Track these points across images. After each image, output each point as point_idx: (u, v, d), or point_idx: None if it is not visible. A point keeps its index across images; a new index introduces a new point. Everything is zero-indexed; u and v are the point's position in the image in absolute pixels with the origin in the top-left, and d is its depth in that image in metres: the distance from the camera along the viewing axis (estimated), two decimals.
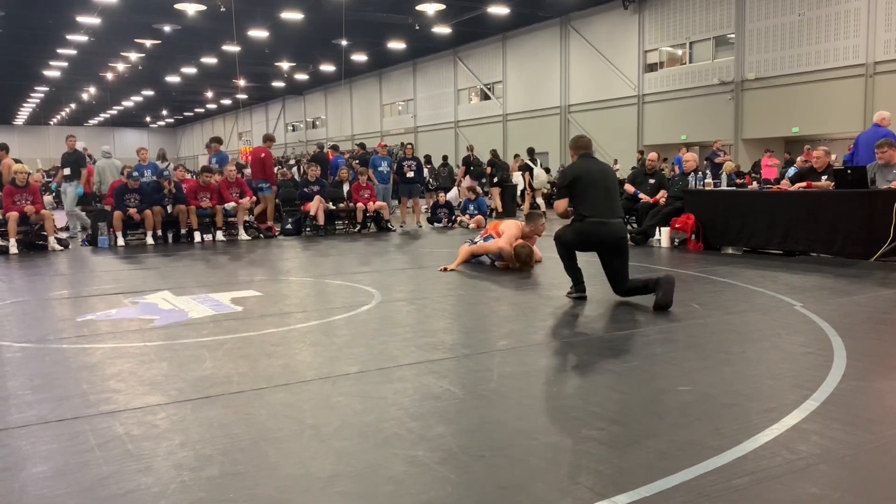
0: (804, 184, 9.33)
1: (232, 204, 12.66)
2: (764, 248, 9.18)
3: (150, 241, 11.92)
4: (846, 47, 21.67)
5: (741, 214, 9.39)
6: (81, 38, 29.74)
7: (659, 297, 5.46)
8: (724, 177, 11.30)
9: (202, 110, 61.20)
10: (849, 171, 8.77)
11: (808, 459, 2.61)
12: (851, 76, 21.35)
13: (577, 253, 6.16)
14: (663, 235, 10.24)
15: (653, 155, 12.15)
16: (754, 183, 15.21)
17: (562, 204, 6.01)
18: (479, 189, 16.32)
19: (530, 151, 20.89)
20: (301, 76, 43.48)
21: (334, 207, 13.82)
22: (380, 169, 14.98)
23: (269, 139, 14.48)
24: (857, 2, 21.70)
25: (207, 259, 10.06)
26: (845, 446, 2.74)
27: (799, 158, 17.93)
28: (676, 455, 2.67)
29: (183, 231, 12.41)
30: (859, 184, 8.47)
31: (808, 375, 3.69)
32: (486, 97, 36.83)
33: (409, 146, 16.07)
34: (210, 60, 35.56)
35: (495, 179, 17.62)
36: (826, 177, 9.18)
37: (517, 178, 19.21)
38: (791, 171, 15.66)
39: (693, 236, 9.73)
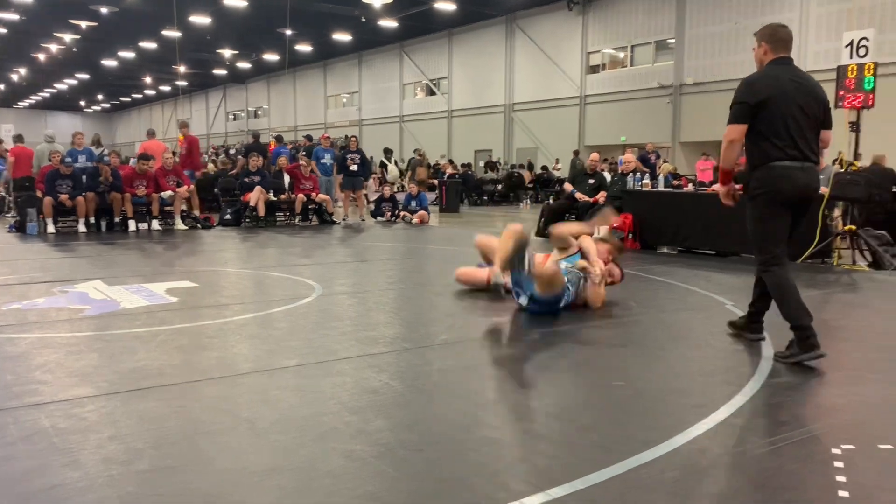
0: (739, 186, 9.61)
1: (169, 192, 12.34)
2: (698, 248, 9.44)
3: (82, 228, 11.53)
4: None
5: (677, 215, 9.64)
6: (12, 17, 28.51)
7: None
8: (661, 178, 11.58)
9: (140, 96, 59.39)
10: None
11: (736, 454, 2.70)
12: None
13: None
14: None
15: (594, 155, 12.36)
16: (690, 185, 15.60)
17: (736, 131, 4.13)
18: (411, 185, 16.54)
19: (386, 151, 22.24)
20: (244, 64, 42.66)
21: (275, 198, 13.61)
22: (323, 161, 14.82)
23: (184, 125, 14.33)
24: (790, 13, 22.48)
25: (142, 248, 9.79)
26: (772, 441, 2.84)
27: None
28: (611, 449, 2.72)
29: (117, 219, 12.03)
30: None
31: (738, 372, 3.81)
32: (432, 93, 36.82)
33: (354, 139, 15.93)
34: (149, 45, 34.59)
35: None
36: None
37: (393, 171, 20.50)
38: None
39: (631, 235, 9.94)
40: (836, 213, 8.92)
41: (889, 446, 2.80)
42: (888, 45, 17.32)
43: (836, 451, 2.73)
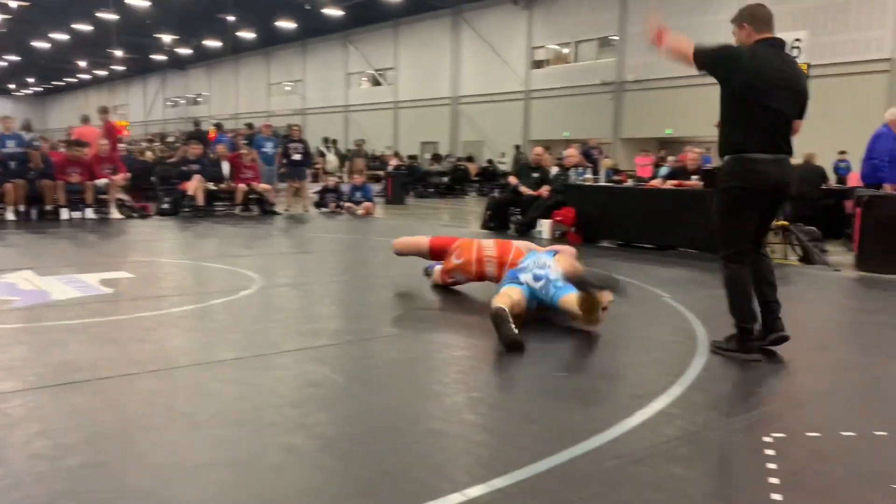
0: (675, 182, 9.85)
1: (104, 180, 11.95)
2: (637, 242, 9.63)
3: (10, 216, 11.07)
4: None
5: (617, 209, 9.81)
6: None
7: None
8: (602, 173, 11.79)
9: (74, 80, 57.32)
10: (716, 173, 9.32)
11: (673, 442, 2.77)
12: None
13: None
14: (545, 227, 10.54)
15: (538, 150, 12.48)
16: (630, 180, 15.92)
17: (688, 58, 3.97)
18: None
19: (325, 140, 22.48)
20: (184, 50, 41.63)
21: (215, 188, 13.32)
22: (264, 150, 14.56)
23: (104, 111, 13.90)
24: (729, 14, 23.03)
25: (75, 238, 9.46)
26: (706, 429, 2.92)
27: (670, 158, 18.95)
28: (552, 439, 2.76)
29: (49, 207, 11.58)
30: None
31: (675, 362, 3.90)
32: (378, 83, 36.59)
33: (296, 128, 15.71)
34: (83, 27, 33.36)
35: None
36: (697, 177, 9.73)
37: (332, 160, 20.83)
38: (664, 169, 16.52)
39: (573, 229, 10.07)
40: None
41: (817, 434, 2.91)
42: (821, 48, 17.93)
43: (767, 439, 2.82)
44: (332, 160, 21.14)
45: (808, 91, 4.04)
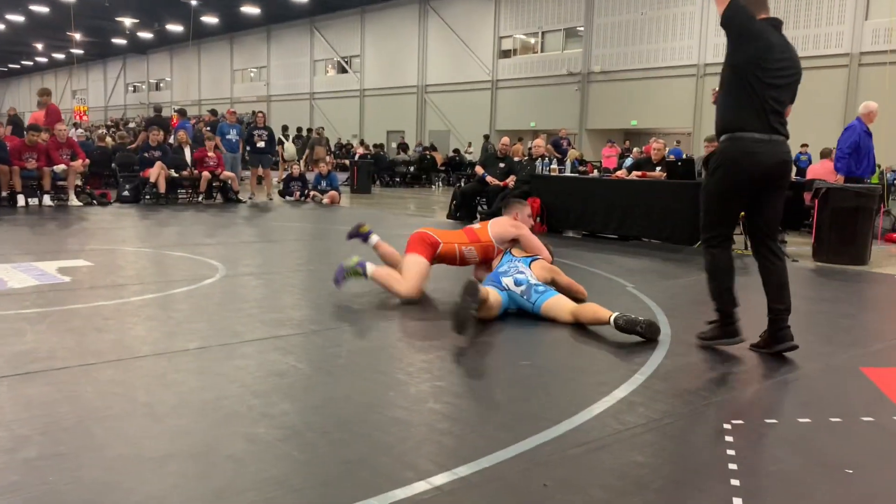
0: (640, 173, 9.96)
1: (62, 166, 11.67)
2: (601, 233, 9.72)
3: None
4: (681, 48, 23.30)
5: (582, 200, 9.89)
6: None
7: None
8: (567, 164, 11.86)
9: (30, 63, 55.82)
10: (679, 164, 9.46)
11: (635, 430, 2.80)
12: (685, 75, 23.01)
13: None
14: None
15: (505, 139, 12.52)
16: (595, 171, 16.05)
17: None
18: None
19: (283, 128, 22.65)
20: (145, 34, 40.78)
21: (177, 175, 13.10)
22: (228, 137, 14.35)
23: (45, 93, 13.50)
24: (692, 6, 23.32)
25: (32, 225, 9.24)
26: (667, 416, 2.96)
27: (635, 149, 19.14)
28: (516, 427, 2.77)
29: (4, 194, 11.29)
30: (688, 175, 9.15)
31: (637, 351, 3.95)
32: (344, 70, 36.28)
33: (261, 115, 15.51)
34: (40, 8, 32.45)
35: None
36: (660, 168, 9.84)
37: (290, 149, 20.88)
38: (629, 160, 16.70)
39: (538, 219, 10.12)
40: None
41: (774, 421, 2.98)
42: None
43: (726, 426, 2.87)
44: (289, 148, 20.89)
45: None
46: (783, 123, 3.84)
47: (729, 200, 3.91)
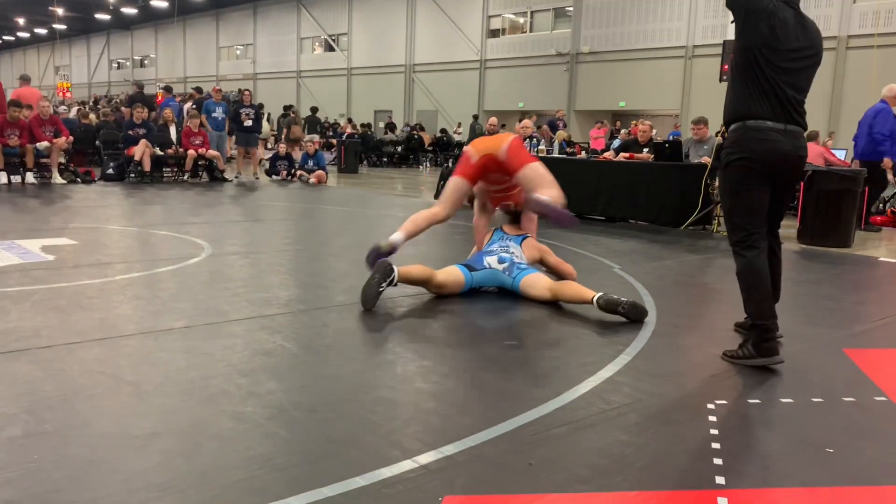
0: (627, 155, 9.96)
1: (45, 144, 11.52)
2: (589, 214, 9.74)
3: None
4: (670, 30, 23.25)
5: (569, 181, 9.84)
6: None
7: None
8: (556, 145, 11.85)
9: (12, 38, 54.86)
10: (667, 145, 9.47)
11: (620, 409, 2.82)
12: (673, 57, 22.98)
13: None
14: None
15: (493, 120, 12.49)
16: (583, 152, 16.04)
17: None
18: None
19: (258, 106, 23.18)
20: (129, 10, 40.15)
21: (162, 153, 12.98)
22: (214, 115, 14.21)
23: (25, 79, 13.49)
24: None
25: (15, 203, 9.14)
26: (652, 396, 2.99)
27: (623, 131, 19.14)
28: (501, 406, 2.79)
29: None
30: (675, 157, 9.17)
31: (623, 332, 3.97)
32: (331, 49, 35.95)
33: (247, 93, 15.37)
34: None
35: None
36: (647, 149, 9.85)
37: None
38: (616, 142, 16.70)
39: None
40: (717, 182, 9.41)
41: (757, 401, 3.01)
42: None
43: (710, 405, 2.90)
44: (265, 128, 20.76)
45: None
46: (801, 113, 3.46)
47: (750, 191, 3.45)
